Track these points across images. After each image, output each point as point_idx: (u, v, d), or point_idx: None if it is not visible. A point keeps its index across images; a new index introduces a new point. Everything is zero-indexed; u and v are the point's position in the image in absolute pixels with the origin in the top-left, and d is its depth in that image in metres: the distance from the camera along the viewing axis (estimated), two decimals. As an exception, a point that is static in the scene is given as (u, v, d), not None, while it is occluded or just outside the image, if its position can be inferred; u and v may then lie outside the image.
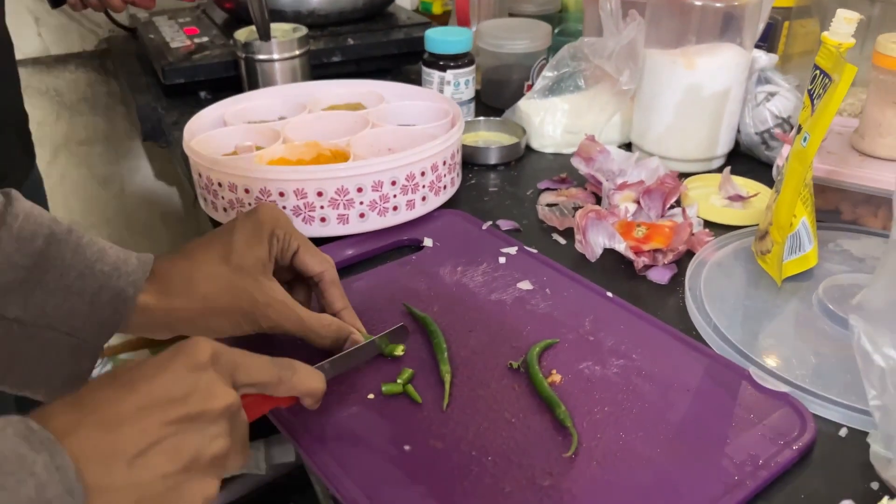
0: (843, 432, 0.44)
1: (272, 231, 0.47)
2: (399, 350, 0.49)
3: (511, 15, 1.02)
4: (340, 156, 0.66)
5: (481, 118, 0.84)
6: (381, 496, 0.39)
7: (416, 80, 0.85)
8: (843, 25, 0.51)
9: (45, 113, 1.17)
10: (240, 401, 0.36)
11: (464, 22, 0.96)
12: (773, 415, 0.45)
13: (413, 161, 0.63)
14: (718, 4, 0.70)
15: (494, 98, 0.92)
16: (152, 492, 0.32)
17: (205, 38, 0.98)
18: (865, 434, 0.42)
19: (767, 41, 0.85)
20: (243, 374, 0.37)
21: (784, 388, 0.46)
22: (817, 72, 0.53)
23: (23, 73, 1.13)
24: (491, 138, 0.83)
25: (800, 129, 0.54)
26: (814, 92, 0.53)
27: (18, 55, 1.12)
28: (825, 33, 0.52)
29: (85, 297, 0.43)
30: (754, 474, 0.40)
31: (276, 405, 0.40)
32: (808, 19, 0.85)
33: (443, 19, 1.21)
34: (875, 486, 0.41)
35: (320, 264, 0.49)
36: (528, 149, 0.82)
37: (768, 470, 0.41)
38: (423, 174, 0.64)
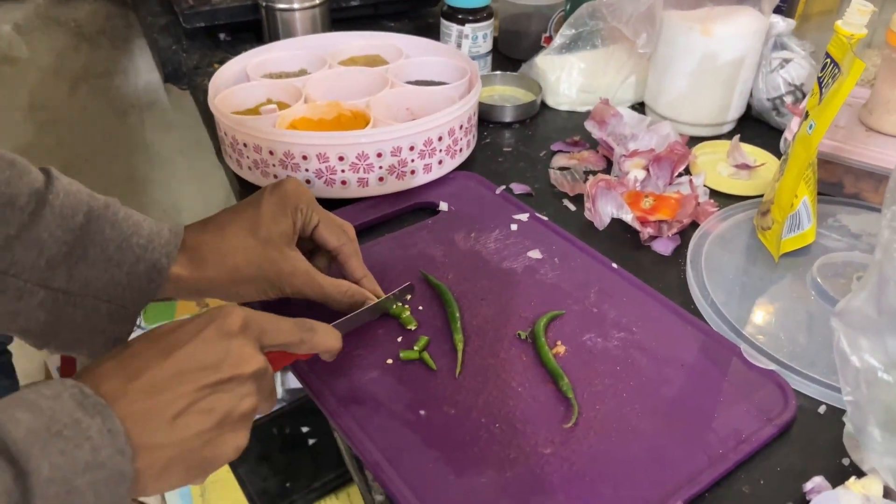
0: (822, 409, 0.48)
1: (296, 206, 0.50)
2: (412, 325, 0.52)
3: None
4: (360, 117, 0.68)
5: (497, 73, 0.85)
6: (399, 459, 0.44)
7: (434, 24, 0.86)
8: (857, 16, 0.52)
9: (63, 45, 1.18)
10: (267, 363, 0.40)
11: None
12: (759, 391, 0.49)
13: (431, 127, 0.65)
14: (739, -28, 0.70)
15: (512, 49, 0.93)
16: (190, 447, 0.36)
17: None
18: (842, 412, 0.46)
19: (787, 1, 0.85)
20: (270, 337, 0.41)
21: (772, 366, 0.50)
22: (828, 60, 0.54)
23: (42, 4, 1.14)
24: (507, 93, 0.84)
25: (807, 114, 0.56)
26: (823, 80, 0.54)
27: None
28: (838, 22, 0.53)
29: (123, 268, 0.47)
30: (737, 448, 0.45)
31: (296, 359, 0.44)
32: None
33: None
34: (846, 462, 0.45)
35: (338, 238, 0.52)
36: (543, 105, 0.84)
37: (750, 444, 0.45)
38: (440, 139, 0.66)
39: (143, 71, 1.23)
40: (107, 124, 1.27)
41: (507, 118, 0.80)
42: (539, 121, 0.82)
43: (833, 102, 0.52)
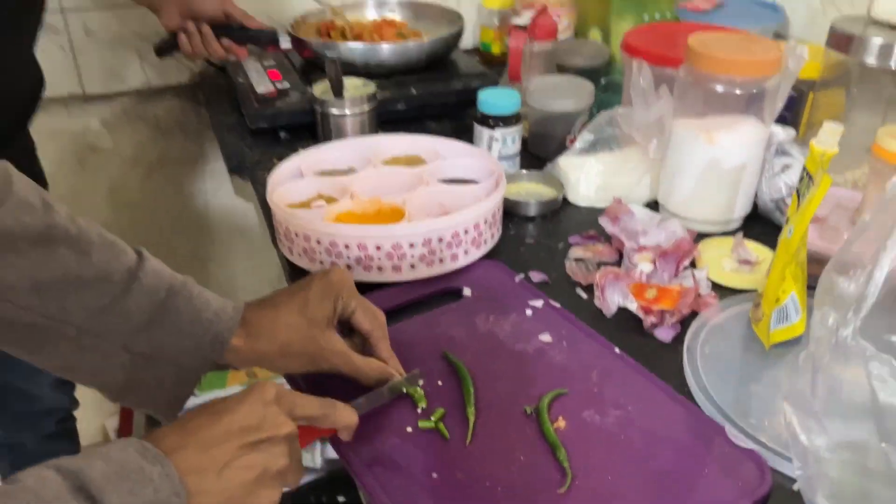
0: (796, 486, 0.53)
1: (338, 294, 0.59)
2: (423, 403, 0.59)
3: (560, 67, 1.11)
4: (398, 212, 0.78)
5: (524, 171, 0.94)
6: (412, 514, 0.50)
7: (472, 125, 0.95)
8: (828, 136, 0.59)
9: (142, 138, 1.33)
10: (297, 429, 0.48)
11: (515, 76, 1.06)
12: (740, 468, 0.54)
13: (457, 222, 0.73)
14: (738, 91, 0.78)
15: (540, 148, 1.02)
16: (234, 495, 0.44)
17: (286, 84, 1.10)
18: (814, 491, 0.51)
19: (793, 110, 0.92)
20: (299, 409, 0.49)
21: (752, 446, 0.55)
22: (804, 173, 0.61)
23: (127, 101, 1.29)
24: (532, 189, 0.93)
25: (788, 219, 0.62)
26: (801, 191, 0.61)
27: (124, 87, 1.28)
28: (813, 140, 0.60)
29: (193, 338, 0.56)
30: (713, 518, 0.50)
31: (321, 435, 0.52)
32: (833, 90, 0.92)
33: (501, 60, 1.31)
34: (813, 535, 0.50)
35: (370, 323, 0.60)
36: (565, 201, 0.92)
37: (726, 515, 0.50)
38: (466, 232, 0.75)
39: (211, 161, 1.37)
40: (176, 207, 1.41)
41: (532, 213, 0.89)
42: (561, 215, 0.90)
43: (807, 210, 0.58)
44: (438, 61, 1.18)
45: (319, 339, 0.58)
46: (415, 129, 1.07)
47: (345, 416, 0.52)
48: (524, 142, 1.00)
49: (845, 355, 0.40)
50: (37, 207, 0.50)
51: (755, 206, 0.87)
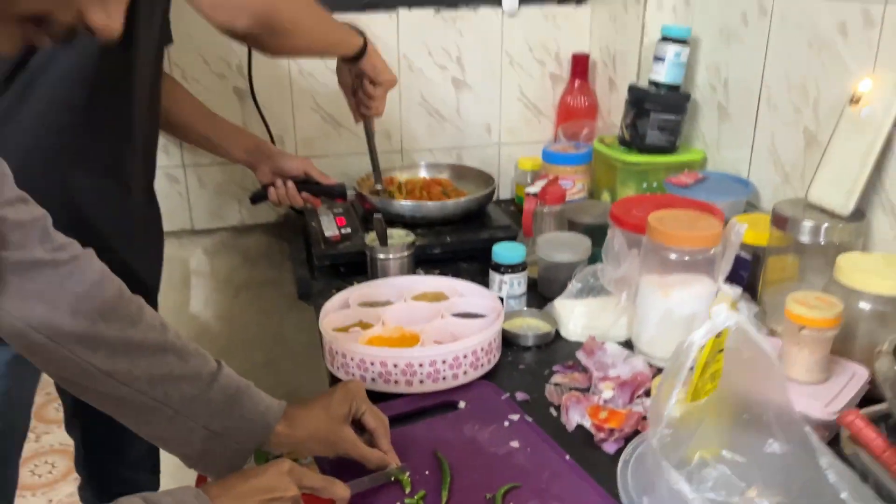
0: (680, 568, 0.70)
1: (353, 399, 0.82)
2: (408, 487, 0.80)
3: (571, 223, 1.34)
4: (415, 338, 1.00)
5: (527, 309, 1.16)
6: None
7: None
8: (724, 312, 0.79)
9: (234, 264, 1.63)
10: (300, 494, 0.69)
11: (528, 232, 1.29)
12: (639, 551, 0.71)
13: (458, 350, 0.96)
14: (687, 258, 0.99)
15: (546, 290, 1.24)
16: None
17: (349, 229, 1.37)
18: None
19: (750, 271, 1.12)
20: (305, 481, 0.71)
21: (652, 536, 0.73)
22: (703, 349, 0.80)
23: (225, 235, 1.60)
24: (532, 324, 1.14)
25: (693, 367, 0.81)
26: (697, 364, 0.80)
27: (224, 224, 1.59)
28: (714, 307, 0.80)
29: (250, 424, 0.79)
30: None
31: (322, 503, 0.73)
32: (786, 255, 1.11)
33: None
34: None
35: (375, 423, 0.82)
36: (557, 335, 1.13)
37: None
38: (465, 357, 0.97)
39: (287, 286, 1.65)
40: (256, 323, 1.68)
41: (528, 343, 1.10)
42: (553, 347, 1.10)
43: (704, 378, 0.78)
44: (474, 214, 1.43)
45: (338, 431, 0.80)
46: (448, 268, 1.32)
47: (339, 490, 0.73)
48: (535, 283, 1.22)
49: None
50: (157, 327, 0.76)
51: (713, 349, 1.05)
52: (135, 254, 1.11)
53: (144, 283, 1.18)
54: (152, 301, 1.22)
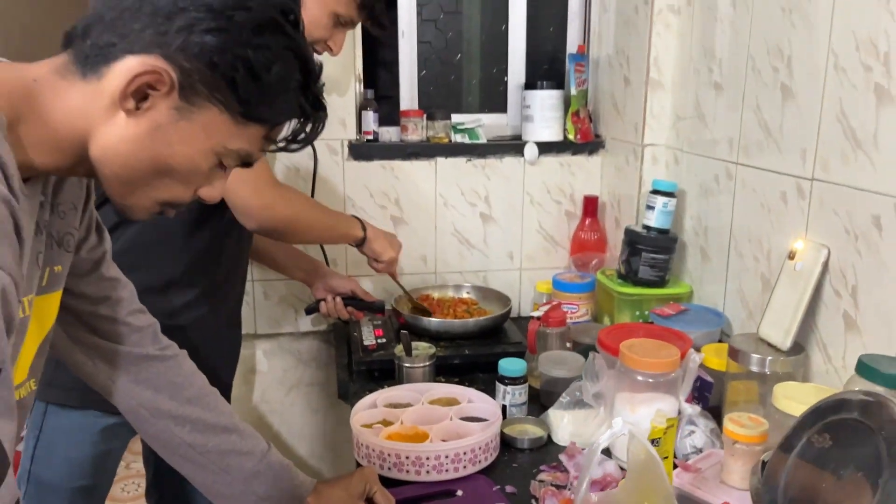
0: None
1: (367, 481, 1.05)
2: None
3: (575, 343, 1.56)
4: (425, 436, 1.23)
5: (526, 416, 1.38)
6: None
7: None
8: (658, 420, 1.01)
9: (288, 365, 1.90)
10: None
11: (532, 349, 1.52)
12: None
13: (457, 448, 1.18)
14: (651, 380, 1.20)
15: (546, 400, 1.45)
16: None
17: (384, 340, 1.63)
18: None
19: (712, 392, 1.32)
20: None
21: None
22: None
23: (282, 339, 1.88)
24: (528, 429, 1.35)
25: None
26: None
27: (282, 330, 1.87)
28: (652, 421, 1.02)
29: (288, 493, 1.03)
30: None
31: None
32: (746, 381, 1.30)
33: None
34: None
35: (384, 501, 1.05)
36: (550, 439, 1.33)
37: None
38: (465, 454, 1.19)
39: (331, 386, 1.90)
40: (304, 419, 1.94)
41: (524, 446, 1.31)
42: (544, 449, 1.31)
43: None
44: (492, 330, 1.68)
45: None
46: (466, 377, 1.55)
47: None
48: (538, 394, 1.44)
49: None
50: (227, 413, 1.01)
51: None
52: (219, 359, 1.41)
53: (223, 379, 1.46)
54: (227, 392, 1.50)
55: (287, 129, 0.77)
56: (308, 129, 0.78)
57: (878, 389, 0.97)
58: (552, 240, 1.95)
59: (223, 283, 1.45)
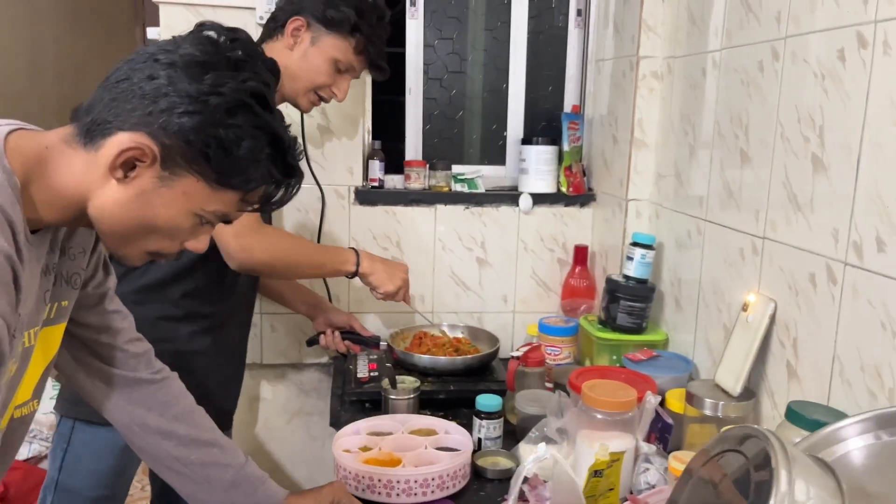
0: None
1: (335, 494, 1.16)
2: None
3: (555, 383, 1.66)
4: (399, 461, 1.34)
5: (499, 449, 1.47)
6: None
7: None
8: (602, 452, 1.10)
9: (292, 395, 2.02)
10: None
11: (510, 387, 1.62)
12: None
13: (425, 474, 1.28)
14: (609, 418, 1.30)
15: (521, 435, 1.54)
16: None
17: (377, 373, 1.74)
18: None
19: (672, 433, 1.40)
20: None
21: None
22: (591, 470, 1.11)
23: (286, 369, 2.00)
24: (499, 461, 1.45)
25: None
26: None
27: (285, 361, 2.00)
28: (596, 453, 1.11)
29: (263, 500, 1.14)
30: None
31: None
32: (702, 424, 1.38)
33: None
34: None
35: None
36: (518, 473, 1.42)
37: None
38: (433, 479, 1.29)
39: (327, 414, 2.01)
40: (303, 444, 2.05)
41: (493, 476, 1.40)
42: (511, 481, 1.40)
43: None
44: (478, 368, 1.78)
45: None
46: (451, 411, 1.65)
47: None
48: (515, 429, 1.54)
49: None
50: (209, 429, 1.13)
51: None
52: (220, 388, 1.55)
53: (223, 408, 1.59)
54: (227, 419, 1.63)
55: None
56: (280, 193, 0.90)
57: (803, 433, 1.06)
58: (545, 285, 2.06)
59: (228, 317, 1.59)
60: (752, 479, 0.73)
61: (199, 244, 0.91)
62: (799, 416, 1.07)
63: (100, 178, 0.81)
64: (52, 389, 1.90)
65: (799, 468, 0.72)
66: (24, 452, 2.38)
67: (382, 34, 1.55)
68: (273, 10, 1.56)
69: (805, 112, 1.19)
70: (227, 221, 0.90)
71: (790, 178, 1.23)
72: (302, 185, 0.92)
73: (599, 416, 1.31)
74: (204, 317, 1.52)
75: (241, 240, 1.42)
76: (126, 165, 0.80)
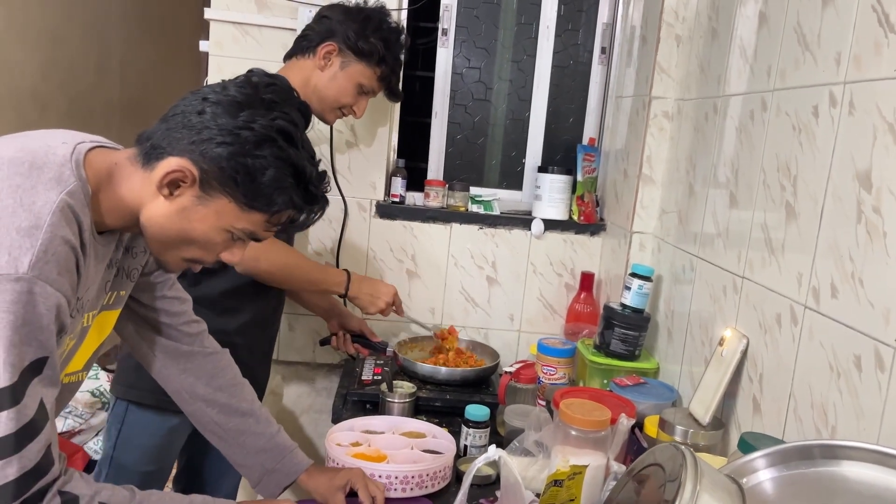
0: None
1: (350, 478, 1.27)
2: None
3: (547, 401, 1.74)
4: (384, 458, 1.44)
5: (483, 455, 1.56)
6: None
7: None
8: (563, 464, 1.18)
9: (303, 392, 2.14)
10: None
11: (501, 401, 1.71)
12: None
13: (407, 471, 1.38)
14: (582, 436, 1.38)
15: (507, 446, 1.63)
16: None
17: (380, 378, 1.86)
18: None
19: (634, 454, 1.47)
20: None
21: None
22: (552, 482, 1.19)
23: (299, 367, 2.13)
24: (482, 469, 1.54)
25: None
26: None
27: (300, 359, 2.12)
28: (558, 465, 1.19)
29: (289, 469, 1.27)
30: None
31: None
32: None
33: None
34: None
35: (364, 495, 1.26)
36: (497, 478, 1.51)
37: None
38: (412, 478, 1.39)
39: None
40: (312, 439, 2.16)
41: (473, 481, 1.49)
42: (492, 486, 1.49)
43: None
44: (476, 381, 1.87)
45: (333, 494, 1.26)
46: (445, 419, 1.75)
47: None
48: (503, 440, 1.63)
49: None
50: (249, 400, 1.28)
51: (602, 509, 1.40)
52: (257, 363, 1.71)
53: (259, 381, 1.74)
54: (261, 391, 1.80)
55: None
56: (302, 217, 1.03)
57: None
58: (551, 307, 2.14)
59: (270, 315, 1.74)
60: (666, 489, 0.81)
61: (232, 257, 1.05)
62: (748, 446, 1.13)
63: (151, 193, 0.95)
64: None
65: (706, 482, 0.80)
66: (60, 426, 2.56)
67: (400, 65, 1.69)
68: (304, 28, 1.70)
69: (783, 162, 1.27)
70: (257, 239, 1.03)
71: (767, 224, 1.30)
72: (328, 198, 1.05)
73: (573, 433, 1.39)
74: (251, 312, 1.70)
75: (251, 250, 1.56)
76: (171, 185, 0.95)
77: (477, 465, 1.13)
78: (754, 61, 1.41)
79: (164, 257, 1.02)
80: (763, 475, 0.93)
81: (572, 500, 1.24)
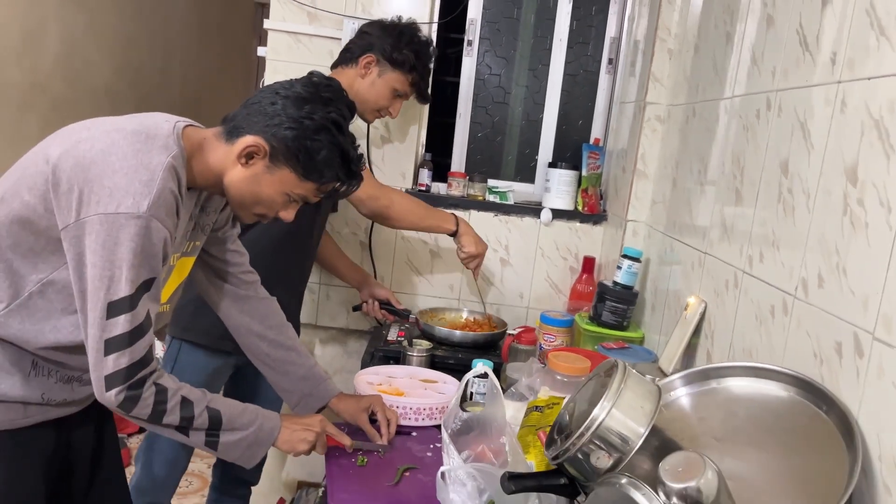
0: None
1: (372, 402, 1.57)
2: (362, 461, 1.52)
3: (545, 363, 2.02)
4: (401, 394, 1.74)
5: (482, 402, 1.85)
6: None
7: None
8: (543, 393, 1.46)
9: (337, 353, 2.45)
10: (324, 432, 1.44)
11: (504, 358, 1.99)
12: None
13: (419, 404, 1.68)
14: (565, 380, 1.65)
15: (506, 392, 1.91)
16: (294, 439, 1.41)
17: (402, 339, 2.15)
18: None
19: (621, 403, 1.74)
20: (329, 428, 1.46)
21: None
22: (533, 408, 1.47)
23: (334, 332, 2.44)
24: (479, 409, 1.82)
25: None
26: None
27: (335, 325, 2.44)
28: (539, 393, 1.48)
29: (323, 394, 1.58)
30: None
31: (336, 444, 1.47)
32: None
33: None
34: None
35: (381, 417, 1.56)
36: (496, 420, 1.79)
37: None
38: (423, 409, 1.68)
39: (364, 372, 2.43)
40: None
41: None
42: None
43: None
44: (487, 343, 2.16)
45: (358, 413, 1.56)
46: (457, 374, 2.04)
47: (345, 440, 1.48)
48: (504, 389, 1.91)
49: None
50: (292, 337, 1.59)
51: None
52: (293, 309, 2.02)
53: (296, 324, 2.05)
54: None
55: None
56: (343, 189, 1.33)
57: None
58: (556, 287, 2.42)
59: (296, 274, 2.04)
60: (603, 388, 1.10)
61: (287, 214, 1.35)
62: (692, 381, 1.40)
63: (232, 162, 1.26)
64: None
65: (631, 381, 1.08)
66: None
67: (429, 73, 2.01)
68: (348, 42, 2.03)
69: (735, 155, 1.54)
70: (307, 203, 1.33)
71: (753, 215, 1.57)
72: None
73: (558, 377, 1.67)
74: (280, 270, 1.97)
75: (368, 191, 1.92)
76: (248, 156, 1.25)
77: (468, 378, 1.41)
78: (762, 62, 1.53)
79: (239, 211, 1.33)
80: (680, 392, 1.21)
81: (550, 425, 1.52)
